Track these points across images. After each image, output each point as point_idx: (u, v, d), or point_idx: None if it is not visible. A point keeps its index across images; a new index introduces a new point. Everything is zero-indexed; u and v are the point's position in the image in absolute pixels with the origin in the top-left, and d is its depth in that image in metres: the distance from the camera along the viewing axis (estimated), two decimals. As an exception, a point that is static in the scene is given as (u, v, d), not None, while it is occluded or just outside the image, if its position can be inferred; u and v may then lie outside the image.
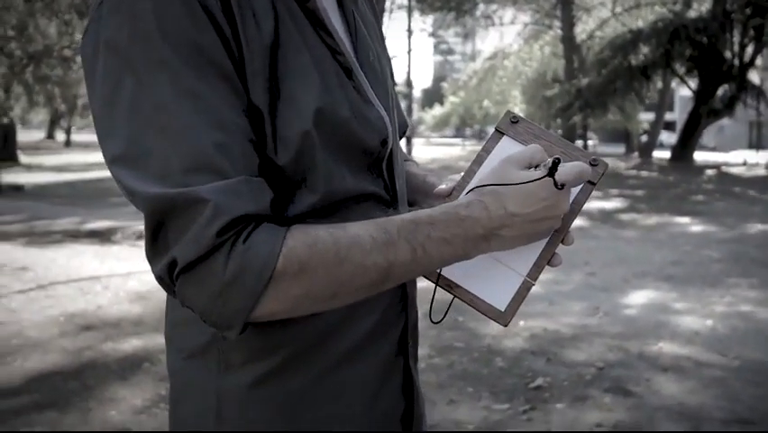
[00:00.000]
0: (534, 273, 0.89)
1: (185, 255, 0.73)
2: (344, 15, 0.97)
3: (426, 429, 1.11)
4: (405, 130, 1.19)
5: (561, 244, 0.91)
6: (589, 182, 0.91)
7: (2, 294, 5.77)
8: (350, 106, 0.88)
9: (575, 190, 0.91)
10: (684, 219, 10.92)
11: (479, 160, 0.95)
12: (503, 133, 0.96)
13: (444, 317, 1.00)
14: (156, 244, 0.76)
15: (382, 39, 1.10)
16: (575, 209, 0.91)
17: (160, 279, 0.77)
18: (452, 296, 0.91)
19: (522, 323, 4.86)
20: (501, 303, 0.88)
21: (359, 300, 0.84)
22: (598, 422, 3.33)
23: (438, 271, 0.90)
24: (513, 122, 0.96)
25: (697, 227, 10.12)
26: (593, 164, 0.92)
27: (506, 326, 0.88)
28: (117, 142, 0.77)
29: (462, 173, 0.96)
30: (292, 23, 0.85)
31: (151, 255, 0.77)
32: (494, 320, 0.87)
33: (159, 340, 4.54)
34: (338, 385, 0.92)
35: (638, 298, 5.84)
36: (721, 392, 3.70)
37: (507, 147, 0.94)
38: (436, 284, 0.91)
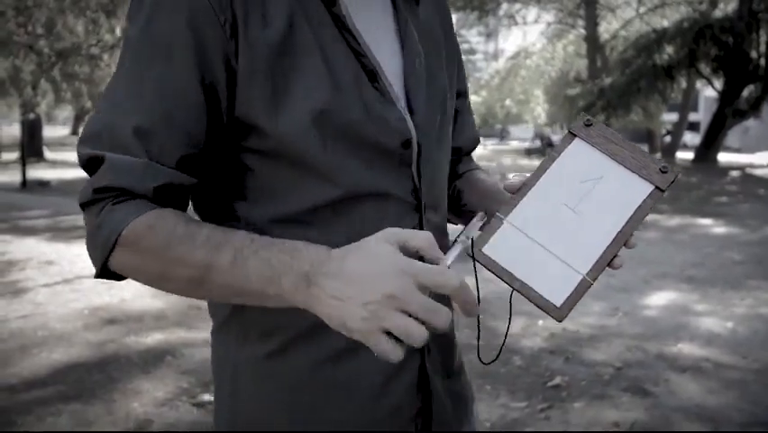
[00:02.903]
0: (593, 273, 0.90)
1: (80, 197, 0.88)
2: (398, 22, 1.01)
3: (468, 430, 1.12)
4: (472, 144, 1.23)
5: (624, 247, 0.92)
6: (658, 189, 0.93)
7: (28, 287, 5.88)
8: (364, 107, 0.91)
9: (637, 198, 0.92)
10: (707, 221, 10.83)
11: (550, 158, 0.96)
12: (575, 135, 0.97)
13: (510, 317, 1.01)
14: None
15: (449, 50, 1.12)
16: (639, 215, 0.92)
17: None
18: (512, 289, 0.91)
19: (541, 322, 4.87)
20: (558, 299, 0.89)
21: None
22: (615, 421, 3.34)
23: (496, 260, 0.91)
24: (587, 125, 0.97)
25: (719, 229, 10.03)
26: (663, 171, 0.93)
27: (560, 321, 0.89)
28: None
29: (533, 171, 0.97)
30: (308, 25, 0.89)
31: None
32: (549, 314, 0.89)
33: (180, 334, 4.61)
34: (341, 372, 0.96)
35: (658, 299, 5.82)
36: (740, 394, 3.69)
37: (578, 149, 0.96)
38: (494, 273, 0.91)
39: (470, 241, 0.83)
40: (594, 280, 0.90)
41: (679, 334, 4.80)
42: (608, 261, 0.90)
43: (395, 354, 0.70)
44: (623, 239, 0.91)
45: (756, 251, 8.11)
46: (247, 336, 0.97)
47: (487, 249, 0.91)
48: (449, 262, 0.77)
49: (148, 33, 0.86)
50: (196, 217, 0.95)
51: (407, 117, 0.96)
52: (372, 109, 0.92)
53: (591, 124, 0.97)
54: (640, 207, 0.92)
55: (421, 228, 0.99)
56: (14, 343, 4.42)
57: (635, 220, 0.91)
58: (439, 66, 1.07)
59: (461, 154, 1.22)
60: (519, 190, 0.94)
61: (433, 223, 1.02)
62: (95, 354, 4.25)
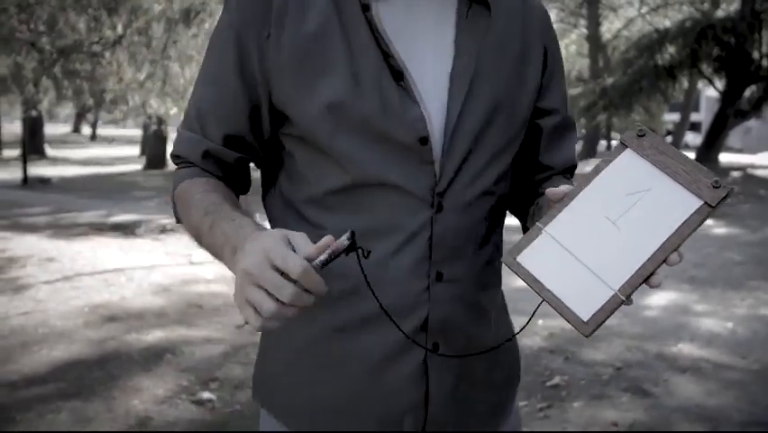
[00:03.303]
0: (626, 289, 0.86)
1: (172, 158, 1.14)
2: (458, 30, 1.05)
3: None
4: (564, 164, 1.19)
5: (664, 264, 0.87)
6: (708, 204, 0.89)
7: (29, 284, 5.88)
8: (382, 103, 0.97)
9: (683, 213, 0.89)
10: (708, 221, 10.73)
11: (597, 169, 0.93)
12: (626, 146, 0.94)
13: (527, 323, 1.03)
14: None
15: (535, 63, 1.11)
16: (684, 231, 0.88)
17: None
18: (541, 298, 0.89)
19: (540, 322, 4.87)
20: (586, 313, 0.87)
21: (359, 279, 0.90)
22: (614, 421, 3.34)
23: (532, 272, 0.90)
24: (639, 135, 0.93)
25: (720, 230, 10.03)
26: (715, 186, 0.89)
27: (587, 336, 0.86)
28: None
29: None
30: (341, 27, 0.98)
31: None
32: (576, 328, 0.86)
33: (181, 332, 4.62)
34: (342, 347, 1.04)
35: (659, 299, 5.81)
36: (740, 395, 3.69)
37: (628, 160, 0.93)
38: (526, 282, 0.90)
39: (336, 254, 0.81)
40: (627, 296, 0.86)
41: (679, 334, 4.80)
42: (644, 277, 0.86)
43: (254, 321, 0.80)
44: (663, 255, 0.87)
45: (757, 251, 8.11)
46: None
47: (521, 258, 0.90)
48: (315, 262, 0.80)
49: (215, 37, 1.07)
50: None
51: (430, 116, 0.99)
52: (390, 105, 0.97)
53: (644, 135, 0.93)
54: (686, 222, 0.88)
55: (431, 226, 1.01)
56: (15, 340, 4.42)
57: (679, 236, 0.87)
58: (502, 75, 1.05)
59: (553, 172, 1.19)
60: (562, 200, 0.92)
61: (457, 225, 1.02)
62: (95, 351, 4.25)
